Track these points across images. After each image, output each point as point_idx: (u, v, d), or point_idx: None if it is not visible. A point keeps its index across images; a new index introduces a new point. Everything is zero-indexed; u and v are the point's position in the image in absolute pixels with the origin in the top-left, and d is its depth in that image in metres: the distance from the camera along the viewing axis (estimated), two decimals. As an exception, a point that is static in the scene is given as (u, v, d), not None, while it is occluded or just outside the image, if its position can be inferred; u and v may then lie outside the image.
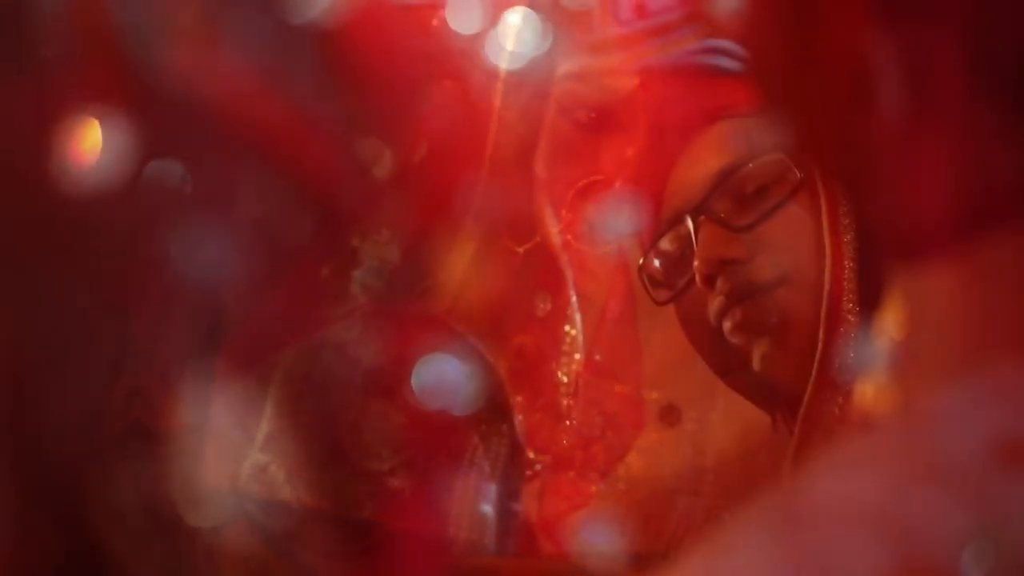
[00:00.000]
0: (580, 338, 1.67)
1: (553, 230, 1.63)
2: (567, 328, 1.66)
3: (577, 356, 1.66)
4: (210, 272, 0.54)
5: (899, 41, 0.61)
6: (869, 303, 1.38)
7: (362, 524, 0.53)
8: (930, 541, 0.56)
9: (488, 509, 1.53)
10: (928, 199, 0.61)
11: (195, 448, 0.51)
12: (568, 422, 1.64)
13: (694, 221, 1.50)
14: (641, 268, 1.58)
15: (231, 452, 0.51)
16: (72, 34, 0.55)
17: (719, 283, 1.46)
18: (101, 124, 0.53)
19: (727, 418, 1.64)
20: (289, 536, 0.52)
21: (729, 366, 1.51)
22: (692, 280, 1.50)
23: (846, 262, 1.42)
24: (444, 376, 0.57)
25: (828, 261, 1.42)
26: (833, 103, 0.63)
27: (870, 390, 0.66)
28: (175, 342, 0.52)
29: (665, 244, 1.54)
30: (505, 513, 1.55)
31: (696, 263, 1.48)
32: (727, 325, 1.47)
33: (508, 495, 1.58)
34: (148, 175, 0.54)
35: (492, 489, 1.55)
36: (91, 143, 0.52)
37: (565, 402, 1.65)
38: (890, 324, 0.66)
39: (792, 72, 0.64)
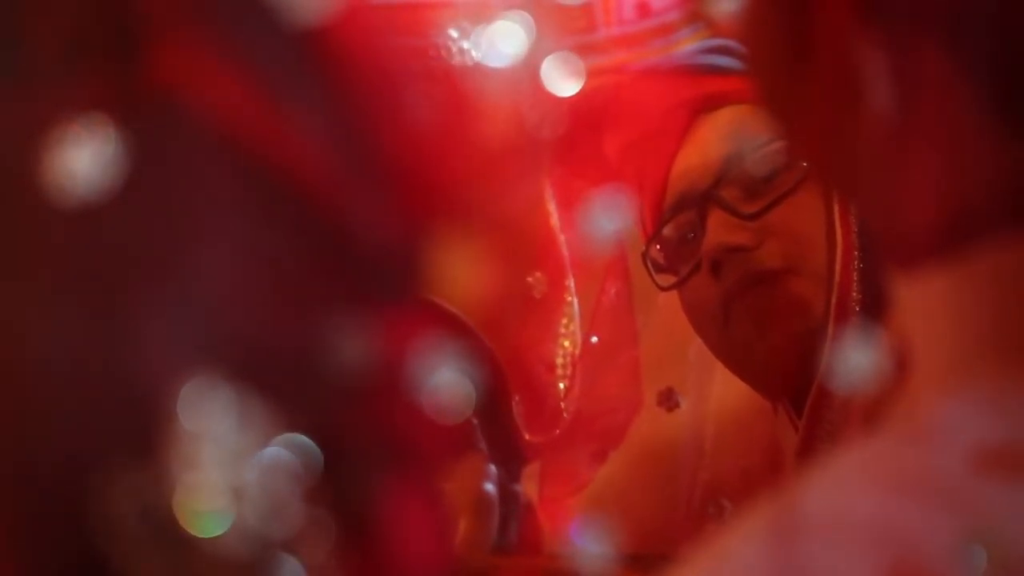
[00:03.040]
0: (576, 321, 1.66)
1: (551, 214, 1.63)
2: (565, 310, 1.66)
3: (574, 339, 1.66)
4: (208, 278, 0.54)
5: (892, 45, 0.62)
6: (873, 301, 1.38)
7: (363, 518, 0.53)
8: (926, 553, 0.57)
9: (489, 492, 1.53)
10: (921, 203, 0.62)
11: (196, 455, 0.52)
12: (564, 405, 1.64)
13: (701, 208, 1.50)
14: (644, 254, 1.58)
15: (231, 458, 0.51)
16: (64, 40, 0.55)
17: (726, 270, 1.46)
18: (94, 132, 0.53)
19: (727, 404, 1.63)
20: (290, 539, 0.52)
21: (734, 353, 1.50)
22: (697, 266, 1.50)
23: (855, 253, 1.42)
24: (440, 361, 0.57)
25: (839, 251, 1.42)
26: (828, 105, 0.64)
27: (872, 390, 0.67)
28: (175, 348, 0.52)
29: (670, 230, 1.54)
30: (506, 496, 1.55)
31: (704, 249, 1.48)
32: (734, 313, 1.46)
33: (508, 478, 1.58)
34: (142, 183, 0.54)
35: (492, 472, 1.55)
36: (84, 151, 0.53)
37: (561, 385, 1.65)
38: (889, 327, 0.66)
39: (788, 73, 0.65)
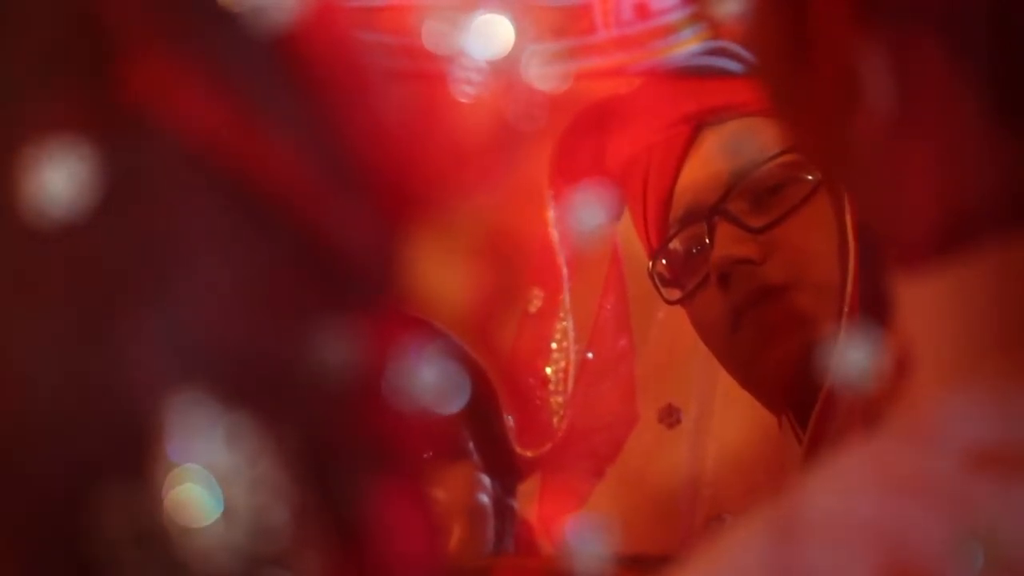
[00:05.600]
0: (571, 336, 1.66)
1: (550, 227, 1.62)
2: (559, 325, 1.66)
3: (569, 354, 1.66)
4: (189, 291, 0.53)
5: (892, 45, 0.61)
6: (877, 308, 1.37)
7: (353, 526, 0.52)
8: (925, 553, 0.57)
9: (483, 502, 1.53)
10: (922, 202, 0.62)
11: (184, 470, 0.51)
12: (558, 420, 1.63)
13: (709, 221, 1.49)
14: (651, 267, 1.57)
15: (220, 472, 0.51)
16: (37, 59, 0.54)
17: (734, 284, 1.45)
18: (69, 150, 0.52)
19: (729, 419, 1.63)
20: (281, 553, 0.52)
21: (742, 365, 1.50)
22: (705, 280, 1.49)
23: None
24: (429, 376, 0.57)
25: (851, 264, 1.41)
26: (830, 104, 0.63)
27: (878, 397, 0.66)
28: (156, 363, 0.52)
29: (676, 244, 1.53)
30: (501, 509, 1.55)
31: (712, 262, 1.47)
32: (742, 326, 1.46)
33: (503, 492, 1.58)
34: (121, 202, 0.54)
35: (485, 482, 1.55)
36: (61, 169, 0.52)
37: (555, 400, 1.65)
38: (894, 332, 0.66)
39: (790, 73, 0.64)
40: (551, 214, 1.62)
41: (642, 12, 1.52)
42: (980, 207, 0.61)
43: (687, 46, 1.53)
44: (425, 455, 0.57)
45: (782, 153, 1.47)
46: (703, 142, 1.53)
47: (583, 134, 1.59)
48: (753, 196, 1.48)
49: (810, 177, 1.46)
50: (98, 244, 0.52)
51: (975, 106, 0.60)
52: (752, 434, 1.61)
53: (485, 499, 1.53)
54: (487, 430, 1.59)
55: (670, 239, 1.54)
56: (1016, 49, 0.60)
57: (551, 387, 1.64)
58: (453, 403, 0.57)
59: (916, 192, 0.62)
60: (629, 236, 1.63)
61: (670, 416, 1.69)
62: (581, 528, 0.67)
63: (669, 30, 1.53)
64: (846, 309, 1.40)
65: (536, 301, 1.65)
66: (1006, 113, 0.60)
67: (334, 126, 0.56)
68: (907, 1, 0.61)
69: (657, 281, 1.57)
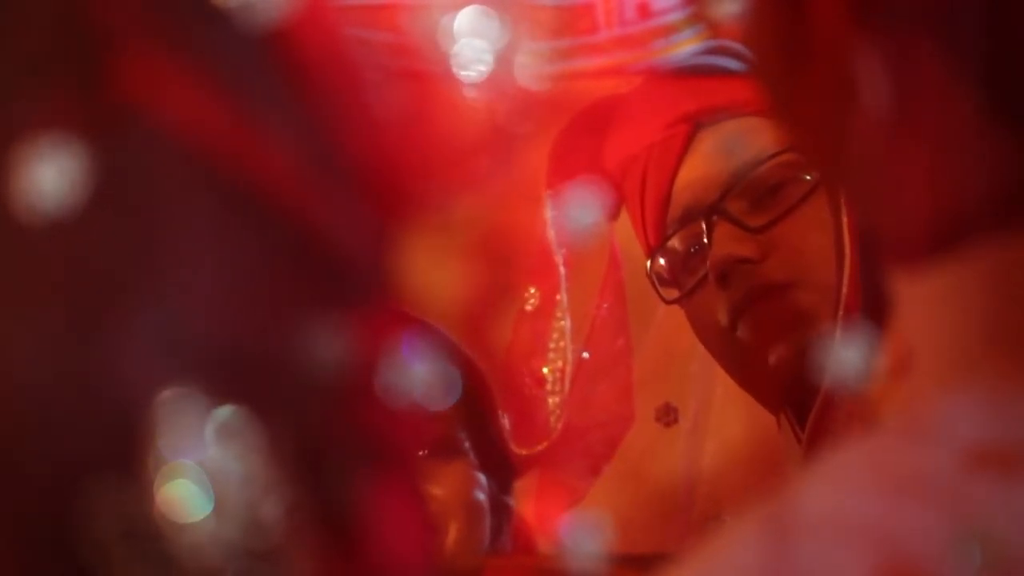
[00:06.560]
0: (568, 336, 1.66)
1: (547, 226, 1.62)
2: (556, 325, 1.66)
3: (566, 354, 1.66)
4: (182, 289, 0.53)
5: (890, 46, 0.61)
6: (875, 308, 1.37)
7: (346, 523, 0.52)
8: (922, 552, 0.57)
9: (479, 499, 1.53)
10: (920, 202, 0.62)
11: (176, 467, 0.51)
12: (555, 419, 1.63)
13: (707, 220, 1.49)
14: (649, 267, 1.57)
15: (212, 469, 0.51)
16: (29, 57, 0.54)
17: (732, 282, 1.45)
18: (61, 148, 0.52)
19: (727, 419, 1.63)
20: (273, 549, 0.51)
21: (740, 365, 1.50)
22: (703, 280, 1.49)
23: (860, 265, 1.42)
24: (424, 373, 0.56)
25: (848, 263, 1.41)
26: (828, 105, 0.63)
27: (876, 396, 0.66)
28: (150, 360, 0.52)
29: (675, 243, 1.53)
30: (497, 509, 1.55)
31: (711, 261, 1.47)
32: (740, 325, 1.46)
33: (499, 490, 1.58)
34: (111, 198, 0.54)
35: (482, 480, 1.56)
36: (53, 166, 0.52)
37: (552, 400, 1.64)
38: (891, 331, 0.66)
39: (789, 74, 0.64)
40: (548, 213, 1.62)
41: (644, 11, 1.53)
42: (977, 207, 0.61)
43: (688, 45, 1.53)
44: (420, 453, 0.56)
45: (780, 153, 1.47)
46: (701, 142, 1.53)
47: (581, 133, 1.59)
48: (752, 196, 1.49)
49: (808, 177, 1.46)
50: (92, 242, 0.52)
51: (972, 107, 0.60)
52: (750, 433, 1.61)
53: (481, 496, 1.53)
54: (483, 428, 1.59)
55: (668, 238, 1.54)
56: (1013, 51, 0.60)
57: (548, 387, 1.64)
58: (447, 401, 0.56)
59: (914, 192, 0.62)
60: (627, 235, 1.63)
61: (667, 415, 1.69)
62: (577, 526, 0.67)
63: (670, 29, 1.53)
64: (842, 309, 1.40)
65: (533, 300, 1.65)
66: (1003, 114, 0.60)
67: (328, 124, 0.56)
68: (905, 3, 0.61)
69: (655, 280, 1.57)
